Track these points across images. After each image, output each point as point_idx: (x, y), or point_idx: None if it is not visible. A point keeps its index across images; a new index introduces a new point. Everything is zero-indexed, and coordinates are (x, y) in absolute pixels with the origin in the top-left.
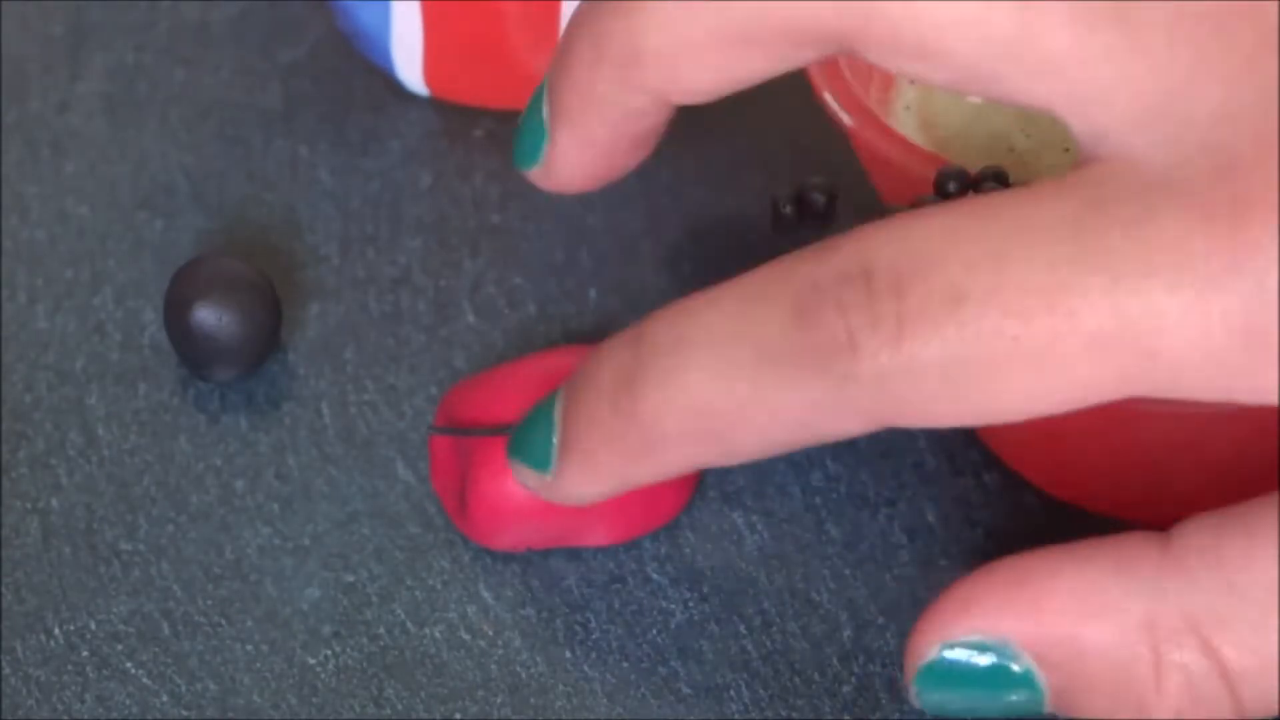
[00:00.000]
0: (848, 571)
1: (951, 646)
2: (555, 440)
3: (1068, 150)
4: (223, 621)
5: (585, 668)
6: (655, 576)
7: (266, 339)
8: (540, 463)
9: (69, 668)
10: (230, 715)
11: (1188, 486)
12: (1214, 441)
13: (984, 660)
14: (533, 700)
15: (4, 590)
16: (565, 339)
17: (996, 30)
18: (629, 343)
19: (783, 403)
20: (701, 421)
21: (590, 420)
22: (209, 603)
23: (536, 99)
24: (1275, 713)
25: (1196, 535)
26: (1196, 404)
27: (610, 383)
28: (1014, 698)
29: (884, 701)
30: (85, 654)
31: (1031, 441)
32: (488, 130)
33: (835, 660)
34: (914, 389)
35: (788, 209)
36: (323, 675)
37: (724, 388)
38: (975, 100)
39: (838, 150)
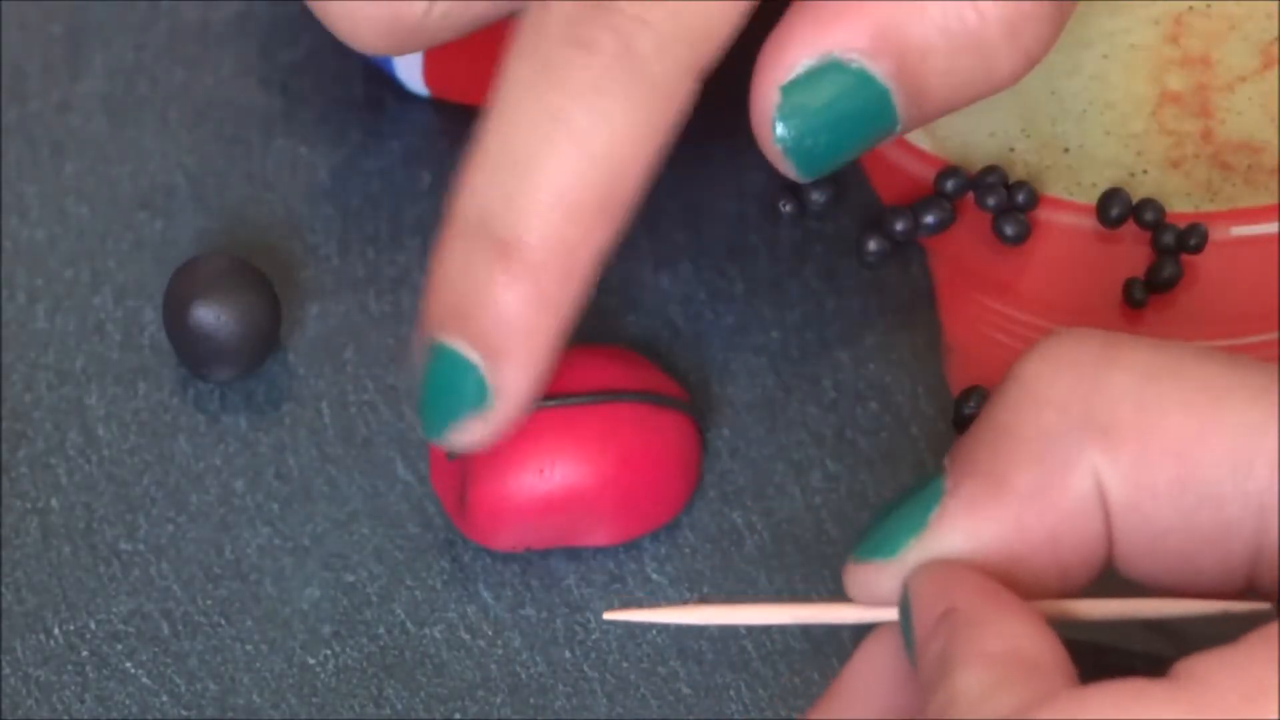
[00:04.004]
0: None
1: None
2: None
3: (1067, 150)
4: (223, 621)
5: (585, 668)
6: (655, 576)
7: (266, 339)
8: (476, 399)
9: (69, 668)
10: (230, 715)
11: None
12: None
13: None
14: (533, 700)
15: (4, 590)
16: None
17: None
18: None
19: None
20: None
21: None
22: (209, 603)
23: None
24: None
25: None
26: None
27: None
28: (858, 99)
29: None
30: (85, 654)
31: None
32: None
33: (835, 660)
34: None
35: (788, 209)
36: (322, 675)
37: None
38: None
39: None
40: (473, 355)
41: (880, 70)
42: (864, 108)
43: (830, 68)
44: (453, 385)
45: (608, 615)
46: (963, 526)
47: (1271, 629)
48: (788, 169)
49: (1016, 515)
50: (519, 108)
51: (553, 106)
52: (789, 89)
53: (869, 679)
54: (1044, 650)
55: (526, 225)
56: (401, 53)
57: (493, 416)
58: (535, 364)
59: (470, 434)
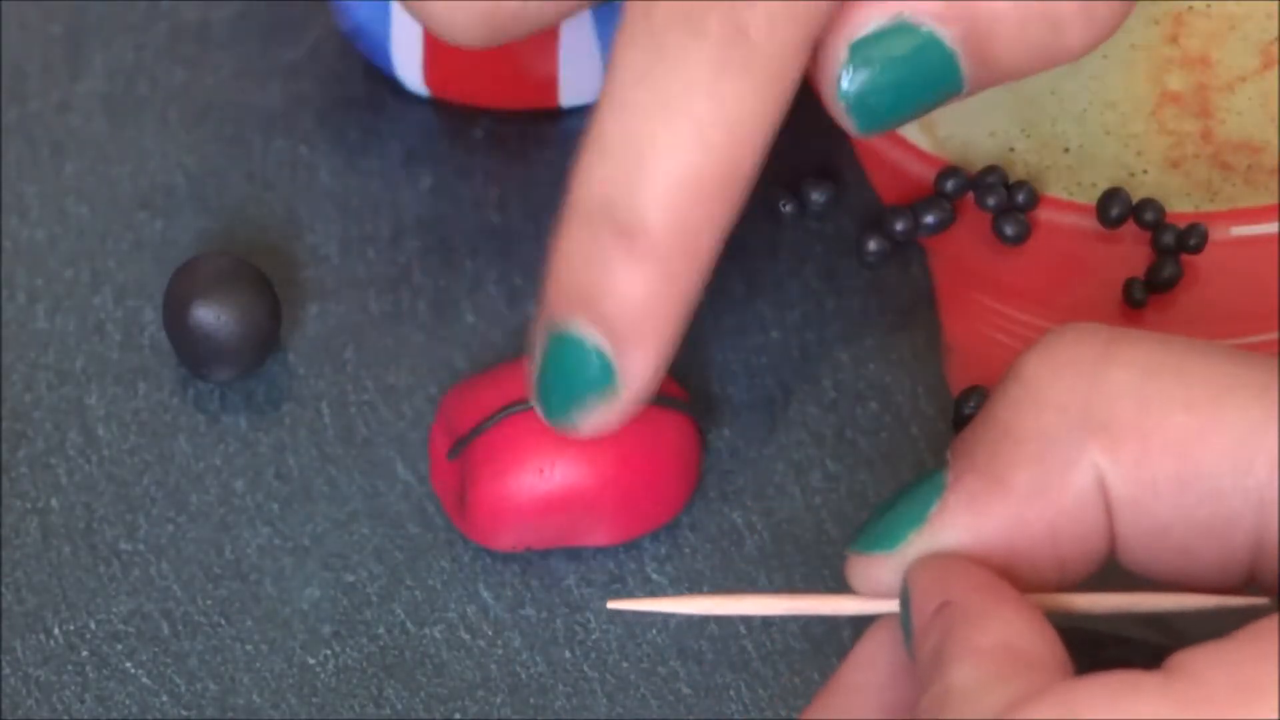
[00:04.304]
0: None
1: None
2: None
3: (1067, 150)
4: (223, 621)
5: (585, 668)
6: (655, 576)
7: (266, 339)
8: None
9: (69, 668)
10: (230, 715)
11: None
12: None
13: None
14: (533, 700)
15: (4, 590)
16: None
17: None
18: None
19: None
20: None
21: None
22: (209, 603)
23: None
24: None
25: None
26: None
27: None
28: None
29: None
30: (85, 654)
31: None
32: (488, 130)
33: (835, 659)
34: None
35: (788, 209)
36: (322, 675)
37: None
38: (974, 100)
39: (838, 150)
40: (598, 340)
41: (949, 34)
42: (930, 69)
43: (900, 28)
44: (577, 371)
45: (611, 604)
46: (963, 521)
47: (1265, 624)
48: (848, 124)
49: (1016, 511)
50: (634, 95)
51: (669, 93)
52: (857, 46)
53: (869, 671)
54: (1039, 644)
55: (649, 210)
56: (497, 43)
57: (617, 401)
58: (661, 348)
59: (594, 420)
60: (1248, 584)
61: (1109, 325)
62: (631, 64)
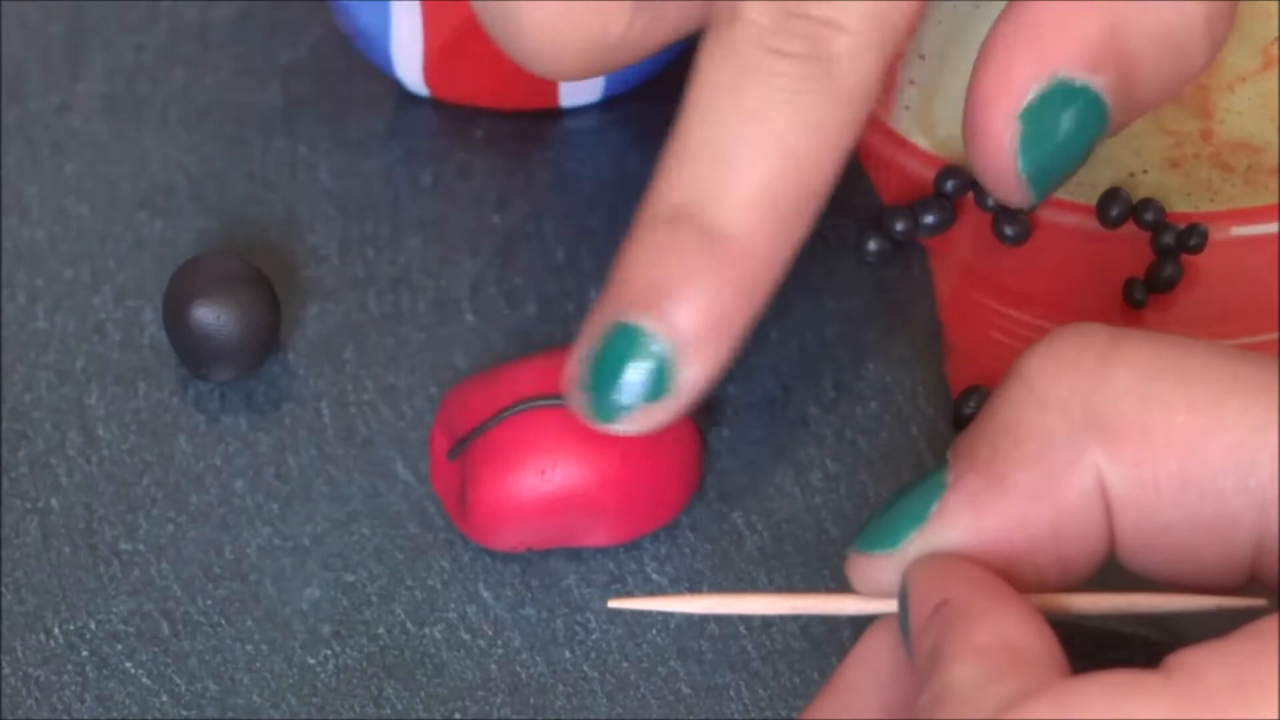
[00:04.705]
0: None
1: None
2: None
3: None
4: (223, 621)
5: (585, 668)
6: (655, 576)
7: (266, 339)
8: (657, 388)
9: (69, 668)
10: (230, 715)
11: None
12: None
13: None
14: (533, 700)
15: (4, 590)
16: (565, 339)
17: None
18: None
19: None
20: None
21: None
22: (209, 603)
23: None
24: None
25: None
26: None
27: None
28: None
29: None
30: (85, 654)
31: None
32: (488, 130)
33: (835, 659)
34: None
35: None
36: (322, 675)
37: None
38: None
39: None
40: (664, 342)
41: (1101, 83)
42: (1086, 122)
43: (1058, 89)
44: (635, 368)
45: (612, 603)
46: (963, 521)
47: (1265, 623)
48: (1025, 196)
49: (1017, 511)
50: (720, 107)
51: (754, 108)
52: (1027, 117)
53: (868, 671)
54: (1037, 643)
55: (730, 217)
56: (596, 75)
57: (666, 406)
58: (721, 355)
59: (637, 420)
60: (1249, 583)
61: (1110, 325)
62: (718, 78)
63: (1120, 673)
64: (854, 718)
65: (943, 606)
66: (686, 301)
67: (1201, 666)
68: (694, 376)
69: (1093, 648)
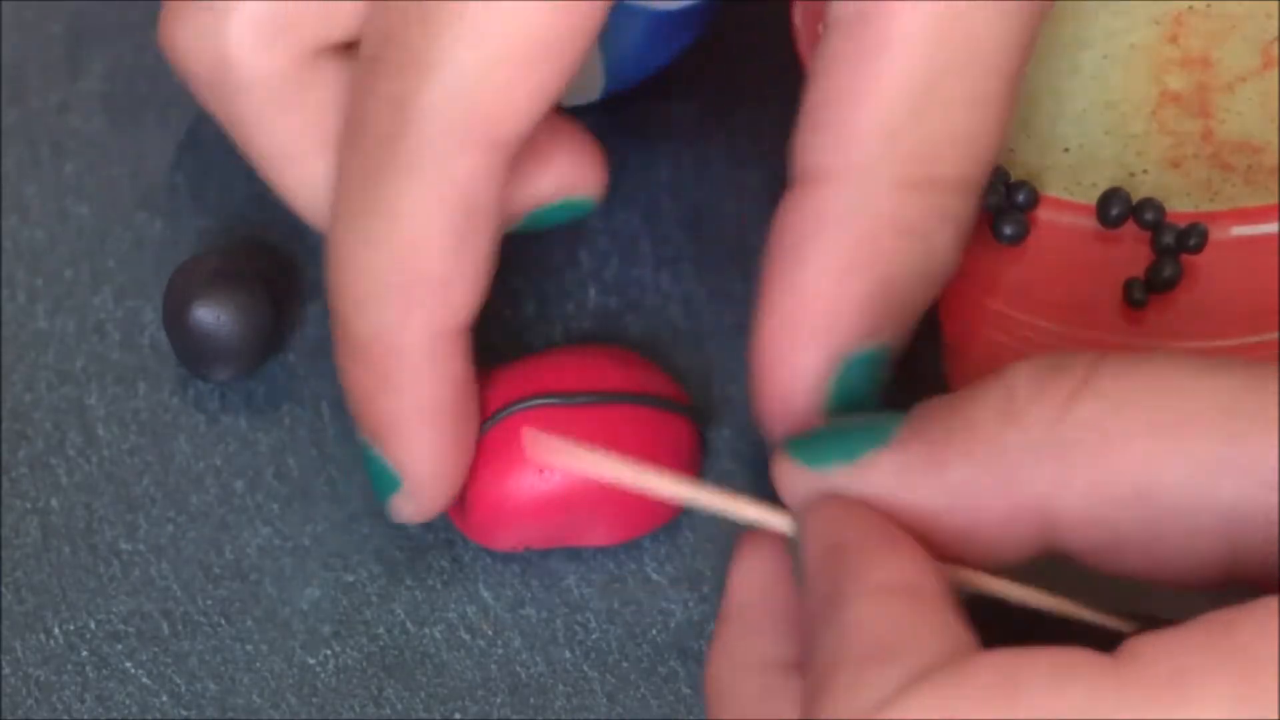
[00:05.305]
0: None
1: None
2: None
3: (1067, 150)
4: (223, 621)
5: (585, 668)
6: (655, 576)
7: (266, 339)
8: None
9: (69, 668)
10: (230, 715)
11: None
12: None
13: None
14: (532, 700)
15: (4, 590)
16: (565, 339)
17: None
18: None
19: None
20: None
21: None
22: (209, 603)
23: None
24: None
25: None
26: None
27: None
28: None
29: None
30: (85, 654)
31: None
32: None
33: None
34: None
35: None
36: (322, 675)
37: None
38: None
39: None
40: (365, 439)
41: (880, 341)
42: (876, 377)
43: (848, 369)
44: (370, 469)
45: (532, 438)
46: (886, 483)
47: (1217, 615)
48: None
49: (940, 502)
50: (341, 214)
51: (361, 207)
52: (827, 414)
53: (754, 590)
54: (933, 586)
55: (353, 314)
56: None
57: (406, 495)
58: (418, 443)
59: (400, 513)
60: (1227, 585)
61: (1101, 354)
62: (337, 180)
63: (1070, 650)
64: (757, 638)
65: (838, 550)
66: (353, 403)
67: (1149, 652)
68: (405, 468)
69: (1059, 622)
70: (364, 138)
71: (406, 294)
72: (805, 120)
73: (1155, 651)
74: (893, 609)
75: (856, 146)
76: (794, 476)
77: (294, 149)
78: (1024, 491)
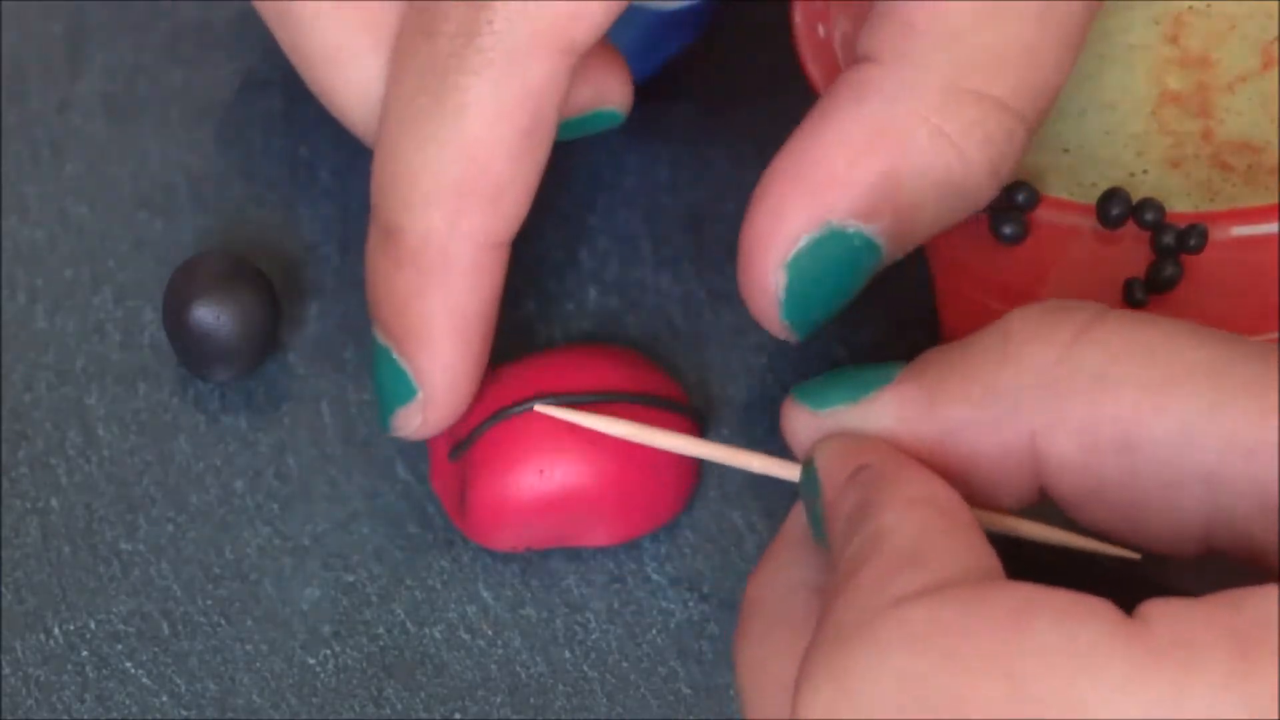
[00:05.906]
0: None
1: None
2: None
3: (1067, 150)
4: (223, 621)
5: (585, 668)
6: (655, 576)
7: (266, 339)
8: None
9: (69, 668)
10: (230, 715)
11: None
12: None
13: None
14: (532, 700)
15: (4, 590)
16: (565, 339)
17: None
18: None
19: None
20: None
21: None
22: (209, 603)
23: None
24: None
25: None
26: None
27: None
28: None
29: None
30: (85, 654)
31: None
32: None
33: None
34: None
35: None
36: (322, 675)
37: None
38: None
39: None
40: (388, 344)
41: (875, 229)
42: (858, 263)
43: (829, 237)
44: (385, 377)
45: (538, 408)
46: (885, 423)
47: (1232, 593)
48: (790, 337)
49: (934, 440)
50: (400, 113)
51: (424, 106)
52: (792, 266)
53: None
54: (963, 506)
55: (403, 216)
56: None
57: (416, 405)
58: (444, 350)
59: (404, 426)
60: (1206, 554)
61: (1102, 304)
62: (394, 79)
63: (1089, 597)
64: (795, 567)
65: (863, 470)
66: (383, 304)
67: (1160, 618)
68: (425, 373)
69: (1085, 563)
70: (435, 36)
71: (462, 197)
72: (874, 10)
73: (1166, 618)
74: (925, 519)
75: (916, 39)
76: (800, 420)
77: (348, 47)
78: (1016, 429)
